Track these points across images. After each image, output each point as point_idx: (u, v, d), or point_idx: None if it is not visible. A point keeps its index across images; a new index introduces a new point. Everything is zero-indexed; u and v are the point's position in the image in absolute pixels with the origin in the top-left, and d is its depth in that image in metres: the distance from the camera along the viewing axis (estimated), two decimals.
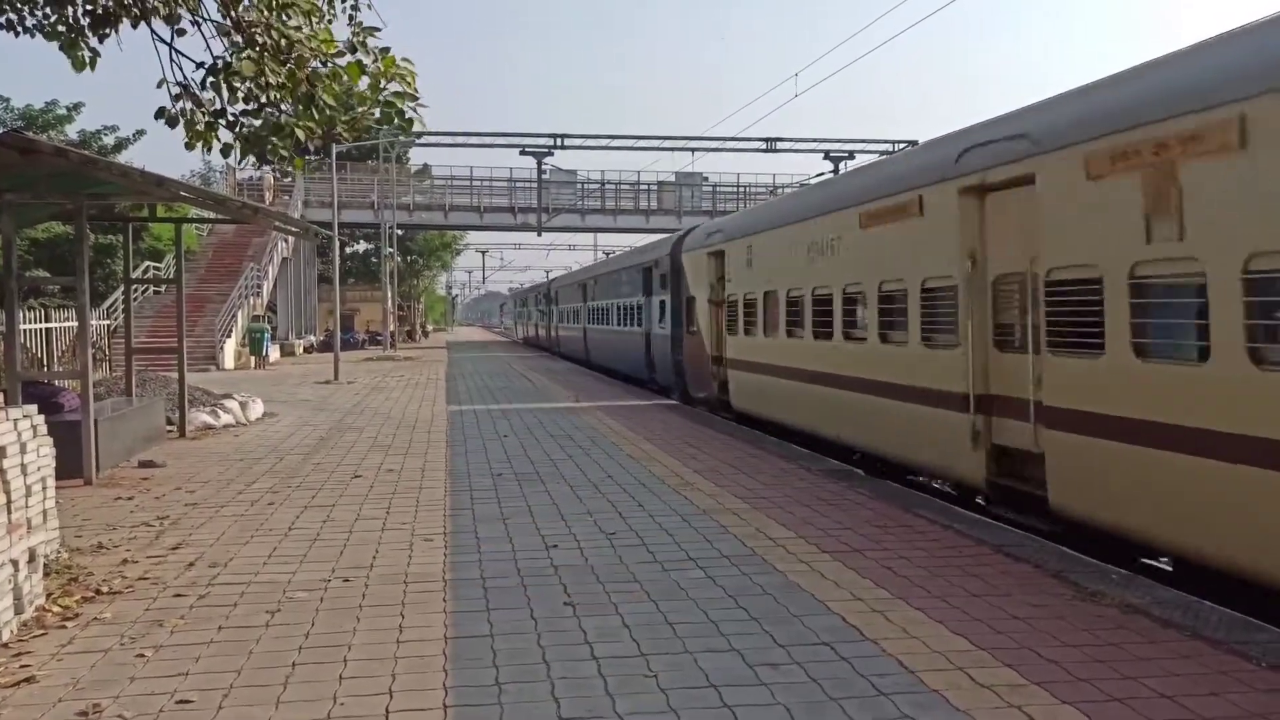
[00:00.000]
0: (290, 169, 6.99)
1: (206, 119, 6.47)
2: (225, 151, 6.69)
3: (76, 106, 35.09)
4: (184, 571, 6.20)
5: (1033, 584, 5.79)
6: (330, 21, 6.49)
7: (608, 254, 47.12)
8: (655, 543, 6.86)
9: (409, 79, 6.12)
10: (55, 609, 5.38)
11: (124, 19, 6.53)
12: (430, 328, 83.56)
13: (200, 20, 6.52)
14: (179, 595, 5.68)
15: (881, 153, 41.88)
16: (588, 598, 5.55)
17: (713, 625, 5.05)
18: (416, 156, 56.41)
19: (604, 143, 46.53)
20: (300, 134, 6.28)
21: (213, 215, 17.11)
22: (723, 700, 4.09)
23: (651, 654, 4.63)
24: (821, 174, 41.41)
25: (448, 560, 6.42)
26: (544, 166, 45.12)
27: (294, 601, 5.52)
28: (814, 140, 46.46)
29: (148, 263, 33.50)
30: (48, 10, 6.60)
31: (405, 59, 6.06)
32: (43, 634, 5.01)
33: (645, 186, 49.49)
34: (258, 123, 6.47)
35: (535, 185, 45.65)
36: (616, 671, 4.41)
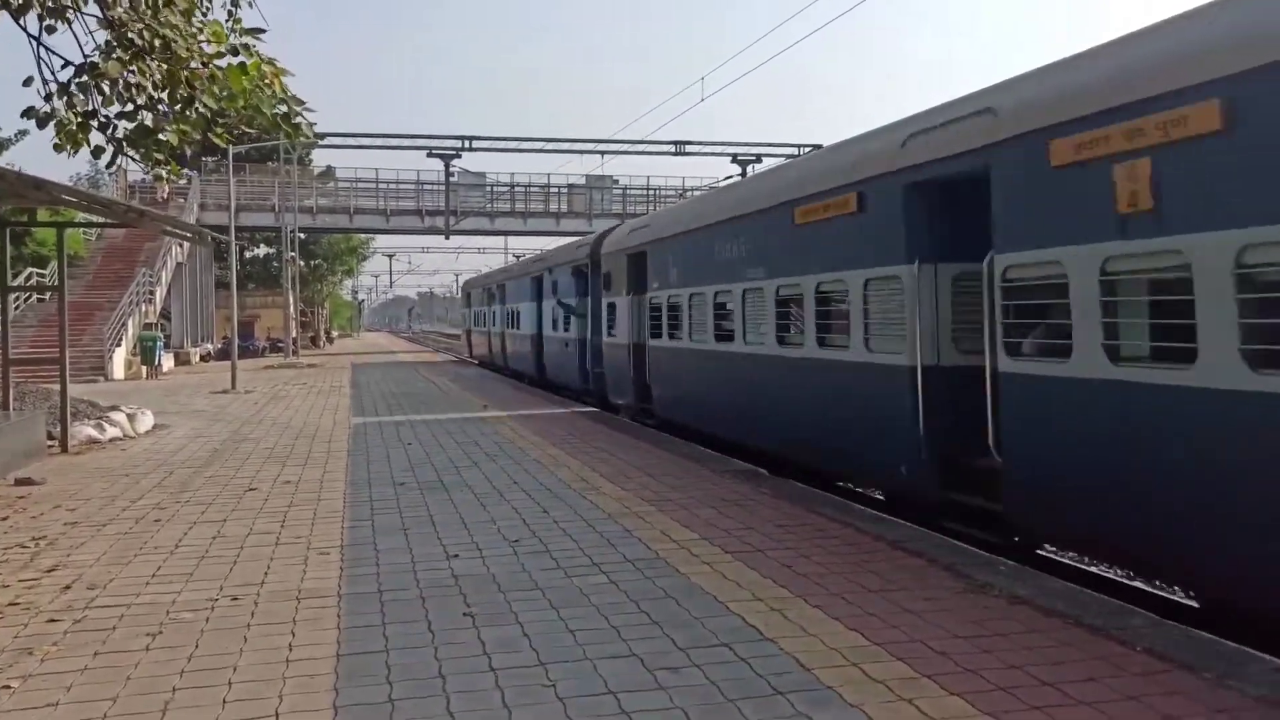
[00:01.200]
0: (167, 173, 6.56)
1: (78, 120, 6.14)
2: (97, 154, 6.37)
3: None
4: (59, 595, 5.88)
5: (925, 578, 5.94)
6: (206, 12, 6.25)
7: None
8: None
9: (275, 78, 5.92)
10: None
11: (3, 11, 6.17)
12: (335, 333, 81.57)
13: (75, 15, 6.20)
14: (52, 620, 5.38)
15: (786, 156, 42.56)
16: (488, 607, 5.47)
17: (614, 630, 5.03)
18: (320, 158, 55.03)
19: (513, 145, 46.27)
20: (173, 138, 6.01)
21: (99, 219, 16.36)
22: (621, 707, 4.07)
23: (550, 662, 4.58)
24: (730, 176, 40.04)
25: (344, 574, 6.25)
26: (452, 169, 44.54)
27: (177, 623, 5.28)
28: (722, 144, 47.14)
29: (30, 269, 31.86)
30: None
31: (270, 59, 5.87)
32: None
33: (555, 189, 49.34)
34: (131, 125, 6.17)
35: (443, 188, 45.01)
36: (514, 682, 4.35)
